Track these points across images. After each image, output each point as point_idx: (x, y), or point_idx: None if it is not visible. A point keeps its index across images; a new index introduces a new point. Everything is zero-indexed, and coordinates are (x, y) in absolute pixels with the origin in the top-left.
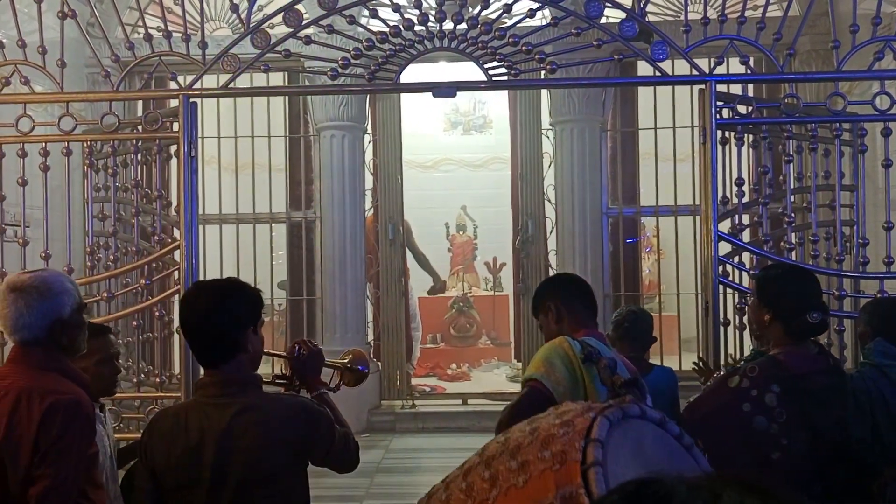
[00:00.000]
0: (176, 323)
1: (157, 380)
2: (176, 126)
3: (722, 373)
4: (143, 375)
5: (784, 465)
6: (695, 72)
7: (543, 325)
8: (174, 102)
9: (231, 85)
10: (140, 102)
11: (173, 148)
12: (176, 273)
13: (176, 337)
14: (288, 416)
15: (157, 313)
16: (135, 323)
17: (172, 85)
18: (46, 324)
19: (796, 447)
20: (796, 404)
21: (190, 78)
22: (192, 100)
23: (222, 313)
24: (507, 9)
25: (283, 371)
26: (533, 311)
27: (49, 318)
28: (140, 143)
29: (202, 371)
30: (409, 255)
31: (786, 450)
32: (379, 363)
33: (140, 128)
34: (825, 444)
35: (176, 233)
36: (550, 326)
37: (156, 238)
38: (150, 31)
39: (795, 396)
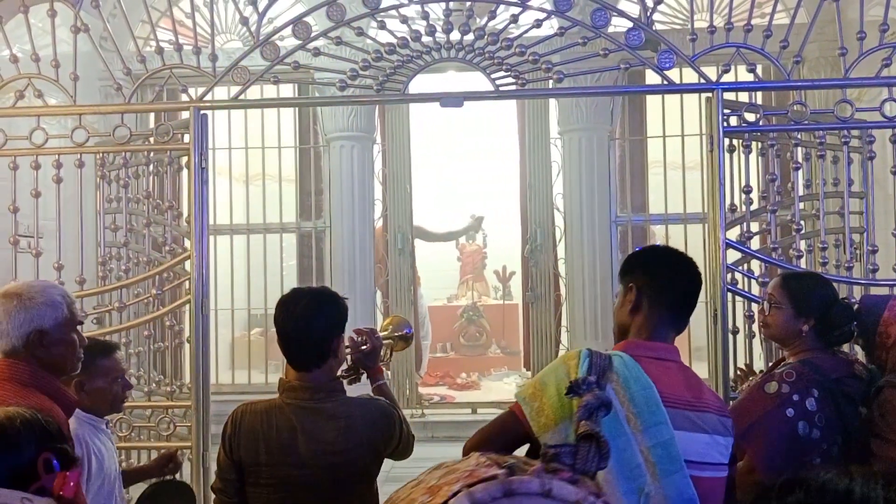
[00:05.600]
0: (186, 333)
1: (169, 389)
2: (187, 137)
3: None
4: (154, 385)
5: None
6: (702, 80)
7: (617, 301)
8: (185, 114)
9: (241, 96)
10: (151, 114)
11: (184, 159)
12: (187, 283)
13: (186, 346)
14: (372, 420)
15: (168, 323)
16: (146, 333)
17: (183, 97)
18: (23, 333)
19: (834, 451)
20: (831, 408)
21: (201, 90)
22: (202, 111)
23: (321, 319)
24: (514, 19)
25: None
26: (620, 274)
27: (27, 327)
28: (151, 155)
29: (286, 373)
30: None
31: (826, 454)
32: (388, 372)
33: (151, 139)
34: (856, 446)
35: (187, 243)
36: (618, 309)
37: (167, 248)
38: (162, 44)
39: (831, 400)
